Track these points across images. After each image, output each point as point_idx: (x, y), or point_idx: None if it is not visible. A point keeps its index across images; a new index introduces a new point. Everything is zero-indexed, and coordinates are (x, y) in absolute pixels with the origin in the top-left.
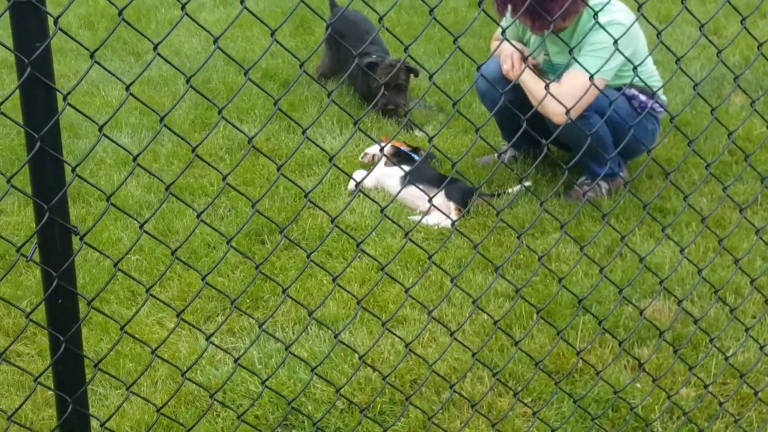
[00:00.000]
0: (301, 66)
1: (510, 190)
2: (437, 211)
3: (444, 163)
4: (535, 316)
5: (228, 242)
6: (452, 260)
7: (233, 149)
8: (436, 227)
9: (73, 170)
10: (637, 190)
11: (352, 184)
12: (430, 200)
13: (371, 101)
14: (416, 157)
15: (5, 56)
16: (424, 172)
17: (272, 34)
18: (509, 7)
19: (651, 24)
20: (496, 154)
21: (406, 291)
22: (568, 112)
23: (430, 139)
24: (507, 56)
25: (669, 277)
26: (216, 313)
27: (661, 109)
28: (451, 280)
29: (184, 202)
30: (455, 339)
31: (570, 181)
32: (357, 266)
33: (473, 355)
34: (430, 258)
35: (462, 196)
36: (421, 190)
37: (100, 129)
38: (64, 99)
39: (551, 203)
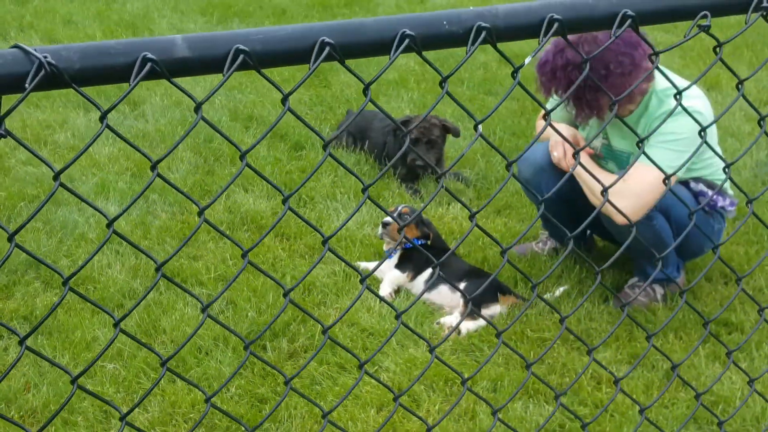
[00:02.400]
0: (284, 101)
1: (550, 295)
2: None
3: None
4: None
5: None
6: (486, 382)
7: (235, 224)
8: (463, 333)
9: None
10: (696, 296)
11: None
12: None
13: (403, 169)
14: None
15: None
16: (450, 264)
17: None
18: (553, 90)
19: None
20: (533, 244)
21: (429, 430)
22: (631, 224)
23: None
24: (558, 142)
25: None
26: None
27: (732, 207)
28: (493, 413)
29: (178, 285)
30: None
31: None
32: (375, 385)
33: None
34: (464, 383)
35: (479, 293)
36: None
37: (56, 177)
38: (55, 178)
39: (598, 309)
